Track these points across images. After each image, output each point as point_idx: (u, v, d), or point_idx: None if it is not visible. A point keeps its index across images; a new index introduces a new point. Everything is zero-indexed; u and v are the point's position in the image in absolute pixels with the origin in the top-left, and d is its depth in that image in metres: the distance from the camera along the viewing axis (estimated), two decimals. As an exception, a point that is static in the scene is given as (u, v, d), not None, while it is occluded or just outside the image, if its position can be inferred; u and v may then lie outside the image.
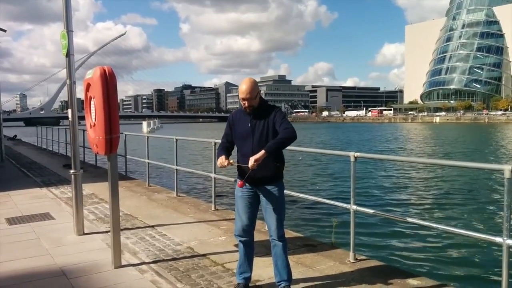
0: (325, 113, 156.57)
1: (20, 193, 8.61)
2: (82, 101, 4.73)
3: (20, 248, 5.05)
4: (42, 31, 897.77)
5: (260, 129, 3.47)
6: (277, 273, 3.61)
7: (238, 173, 3.62)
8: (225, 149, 3.60)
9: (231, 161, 3.49)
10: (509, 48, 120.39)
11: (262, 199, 3.55)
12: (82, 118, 5.28)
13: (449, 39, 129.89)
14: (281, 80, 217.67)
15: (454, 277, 6.80)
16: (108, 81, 4.14)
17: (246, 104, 3.48)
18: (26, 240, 5.37)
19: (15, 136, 32.34)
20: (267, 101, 3.64)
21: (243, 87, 3.47)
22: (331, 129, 71.01)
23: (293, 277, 3.68)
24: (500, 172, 3.19)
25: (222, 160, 3.47)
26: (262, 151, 3.31)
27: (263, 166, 3.37)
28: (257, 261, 3.89)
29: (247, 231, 3.62)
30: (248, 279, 3.71)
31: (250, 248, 3.70)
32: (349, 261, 4.43)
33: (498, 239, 3.23)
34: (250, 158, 3.32)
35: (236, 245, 4.35)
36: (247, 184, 3.55)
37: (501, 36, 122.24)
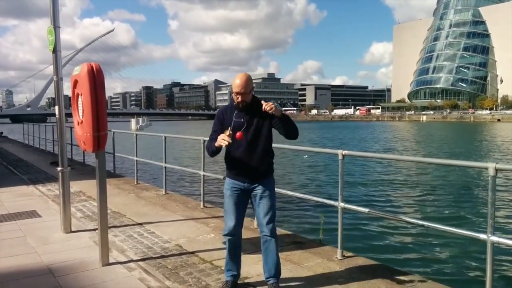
0: (313, 112, 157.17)
1: (6, 191, 8.50)
2: (70, 98, 4.68)
3: (6, 246, 4.99)
4: (28, 26, 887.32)
5: (255, 124, 3.46)
6: (266, 270, 3.62)
7: (228, 166, 3.57)
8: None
9: (228, 133, 3.31)
10: (495, 48, 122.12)
11: (256, 194, 3.54)
12: (69, 115, 5.23)
13: (436, 38, 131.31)
14: (270, 78, 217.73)
15: (440, 273, 6.89)
16: (96, 78, 4.11)
17: (240, 99, 3.42)
18: (12, 238, 5.31)
19: (1, 133, 31.93)
20: (257, 97, 3.60)
21: (238, 81, 3.39)
22: (324, 129, 70.80)
23: (282, 274, 3.70)
24: (485, 169, 3.25)
25: (222, 135, 3.31)
26: (280, 112, 3.33)
27: (258, 163, 3.45)
28: (246, 258, 3.91)
29: (236, 230, 3.59)
30: (236, 276, 3.72)
31: (238, 247, 3.68)
32: (337, 258, 4.47)
33: (482, 236, 3.28)
34: (268, 103, 3.30)
35: (225, 243, 4.36)
36: (238, 182, 3.53)
37: (487, 36, 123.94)
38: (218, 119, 3.60)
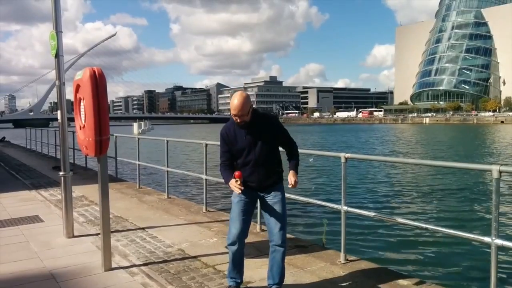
0: (316, 114, 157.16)
1: (9, 196, 8.50)
2: (72, 102, 4.69)
3: (8, 251, 4.99)
4: (30, 31, 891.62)
5: (260, 142, 3.44)
6: (270, 276, 3.60)
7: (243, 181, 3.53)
8: (228, 169, 3.52)
9: (239, 182, 3.36)
10: (498, 50, 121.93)
11: (266, 201, 3.53)
12: (71, 119, 5.24)
13: (438, 40, 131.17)
14: (272, 81, 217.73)
15: (444, 277, 6.85)
16: (98, 82, 4.11)
17: (238, 120, 3.41)
18: (15, 243, 5.31)
19: (4, 138, 31.99)
20: (258, 110, 3.59)
21: (235, 103, 3.34)
22: (326, 132, 70.42)
23: (285, 278, 3.68)
24: (489, 172, 3.23)
25: (233, 183, 3.34)
26: (295, 173, 3.49)
27: (268, 176, 3.49)
28: (249, 263, 3.89)
29: (241, 238, 3.55)
30: (239, 283, 3.70)
31: (241, 256, 3.65)
32: (340, 262, 4.45)
33: (486, 239, 3.26)
34: (292, 181, 3.41)
35: (228, 249, 4.33)
36: (245, 194, 3.49)
37: (490, 37, 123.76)
38: (222, 139, 3.56)
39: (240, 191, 3.34)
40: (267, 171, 3.49)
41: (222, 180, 7.12)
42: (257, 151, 3.44)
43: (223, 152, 3.55)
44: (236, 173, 3.38)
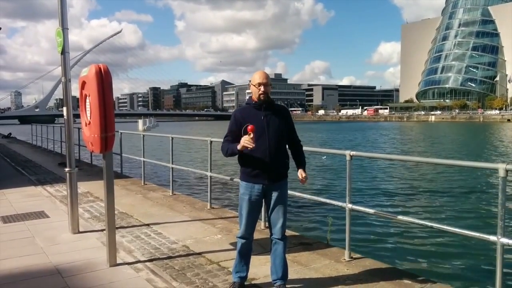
0: (321, 112, 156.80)
1: (15, 191, 8.56)
2: (77, 99, 4.70)
3: (14, 247, 5.02)
4: (36, 28, 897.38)
5: (276, 125, 3.46)
6: (274, 271, 3.61)
7: (247, 167, 3.48)
8: (232, 142, 3.46)
9: (252, 135, 3.25)
10: (504, 47, 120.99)
11: (272, 197, 3.52)
12: (77, 116, 5.25)
13: (445, 38, 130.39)
14: (278, 79, 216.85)
15: (449, 276, 6.83)
16: (103, 79, 4.12)
17: (262, 90, 3.41)
18: (21, 239, 5.34)
19: (10, 134, 32.20)
20: None
21: (262, 73, 3.47)
22: (332, 130, 70.02)
23: (289, 276, 3.69)
24: (495, 170, 3.21)
25: (245, 138, 3.26)
26: (304, 170, 3.58)
27: (277, 164, 3.48)
28: (253, 260, 3.88)
29: (251, 232, 3.60)
30: (244, 278, 3.71)
31: (250, 249, 3.69)
32: (345, 259, 4.44)
33: (492, 238, 3.24)
34: (303, 176, 3.54)
35: (232, 244, 4.33)
36: (257, 185, 3.48)
37: (497, 35, 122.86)
38: (235, 119, 3.50)
39: (252, 146, 3.25)
40: (277, 159, 3.46)
41: (227, 177, 7.14)
42: (271, 135, 3.42)
43: (231, 131, 3.50)
44: (249, 127, 3.27)
